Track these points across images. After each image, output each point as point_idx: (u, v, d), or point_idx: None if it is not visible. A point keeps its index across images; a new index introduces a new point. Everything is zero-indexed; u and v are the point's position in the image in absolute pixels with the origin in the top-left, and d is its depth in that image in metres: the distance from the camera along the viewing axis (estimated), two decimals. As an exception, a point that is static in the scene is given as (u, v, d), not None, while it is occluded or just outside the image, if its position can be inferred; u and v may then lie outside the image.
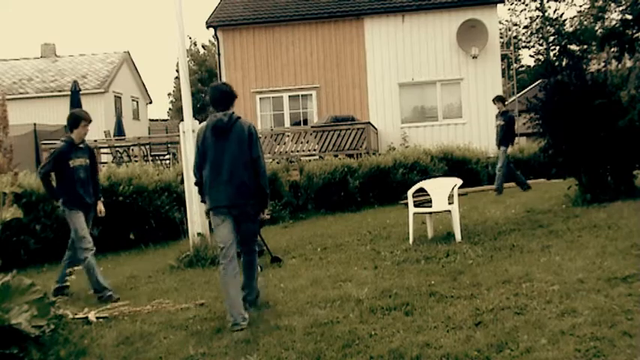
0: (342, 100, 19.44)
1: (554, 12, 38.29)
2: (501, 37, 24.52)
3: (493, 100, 12.75)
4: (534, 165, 15.18)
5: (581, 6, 56.89)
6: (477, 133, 18.51)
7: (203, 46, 45.59)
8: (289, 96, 19.65)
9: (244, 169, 5.09)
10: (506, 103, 12.88)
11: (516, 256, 6.42)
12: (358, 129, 16.26)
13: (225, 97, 5.25)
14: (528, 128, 11.64)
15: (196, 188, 5.39)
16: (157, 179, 10.91)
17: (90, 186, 6.70)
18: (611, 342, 3.79)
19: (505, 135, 12.23)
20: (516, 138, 13.23)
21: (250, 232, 5.37)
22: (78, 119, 6.65)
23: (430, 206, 8.24)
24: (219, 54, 20.11)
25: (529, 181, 13.83)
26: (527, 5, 39.07)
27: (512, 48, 28.15)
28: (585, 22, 36.95)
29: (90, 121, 6.74)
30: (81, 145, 6.65)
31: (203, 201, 5.29)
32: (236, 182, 5.05)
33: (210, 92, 5.34)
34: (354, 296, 5.40)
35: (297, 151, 15.93)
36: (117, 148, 17.80)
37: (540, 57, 39.63)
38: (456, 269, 6.14)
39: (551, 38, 38.77)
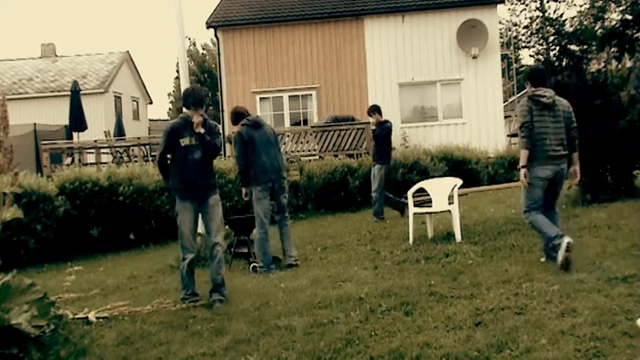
0: (342, 100, 19.43)
1: (554, 12, 38.22)
2: (501, 37, 24.53)
3: (368, 112, 10.85)
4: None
5: (581, 6, 56.87)
6: (477, 133, 18.51)
7: (203, 47, 45.59)
8: (289, 96, 19.63)
9: (278, 155, 7.35)
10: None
11: (516, 256, 6.43)
12: (358, 129, 16.25)
13: (238, 115, 7.48)
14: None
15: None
16: (157, 179, 10.91)
17: (208, 172, 5.79)
18: (611, 342, 3.80)
19: (381, 150, 10.46)
20: (392, 152, 11.07)
21: (285, 201, 7.39)
22: (188, 101, 5.77)
23: (430, 206, 8.24)
24: (219, 54, 20.10)
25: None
26: (527, 5, 39.03)
27: (512, 48, 28.14)
28: (585, 22, 36.93)
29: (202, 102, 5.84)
30: None
31: (245, 185, 7.32)
32: (276, 163, 7.25)
33: (232, 112, 7.62)
34: (354, 296, 5.40)
35: (297, 151, 15.92)
36: (117, 148, 17.81)
37: (540, 57, 39.60)
38: (456, 269, 6.15)
39: (551, 38, 38.74)
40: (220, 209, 5.85)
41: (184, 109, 5.87)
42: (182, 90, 8.33)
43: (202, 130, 5.60)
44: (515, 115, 5.64)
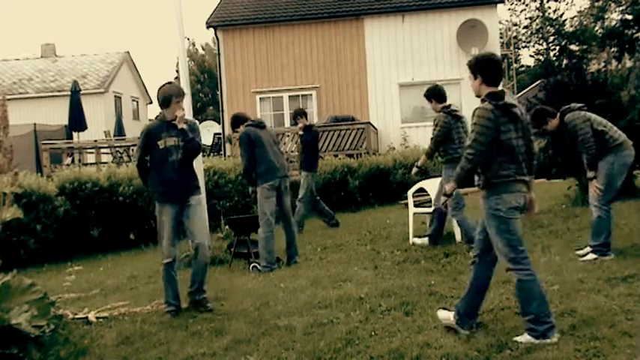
0: (342, 100, 19.43)
1: (554, 12, 38.19)
2: (501, 37, 24.53)
3: (294, 117, 10.18)
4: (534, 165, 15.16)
5: (581, 6, 56.84)
6: (477, 133, 18.49)
7: (204, 48, 45.61)
8: (289, 96, 19.64)
9: (281, 154, 7.61)
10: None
11: (516, 256, 6.41)
12: (358, 129, 16.27)
13: (237, 119, 7.71)
14: (528, 128, 11.61)
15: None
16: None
17: (189, 173, 5.55)
18: (611, 342, 3.80)
19: (309, 156, 9.99)
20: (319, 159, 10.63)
21: (289, 204, 7.54)
22: (168, 98, 5.47)
23: (430, 206, 8.23)
24: (219, 54, 20.10)
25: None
26: (527, 5, 39.02)
27: (512, 48, 28.14)
28: (585, 22, 36.91)
29: (182, 95, 5.60)
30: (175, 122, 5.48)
31: (252, 183, 7.40)
32: (282, 162, 7.48)
33: (232, 117, 7.84)
34: (354, 296, 5.40)
35: (298, 151, 15.91)
36: (117, 148, 17.81)
37: (540, 57, 39.62)
38: (456, 269, 6.15)
39: (551, 38, 38.73)
40: (202, 210, 5.60)
41: (166, 112, 5.55)
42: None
43: (185, 126, 5.44)
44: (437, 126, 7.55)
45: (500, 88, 4.22)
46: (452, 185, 4.34)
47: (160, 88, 5.58)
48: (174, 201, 5.46)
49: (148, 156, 5.54)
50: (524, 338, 3.98)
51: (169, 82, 5.85)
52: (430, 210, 8.11)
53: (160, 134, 5.44)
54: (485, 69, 4.19)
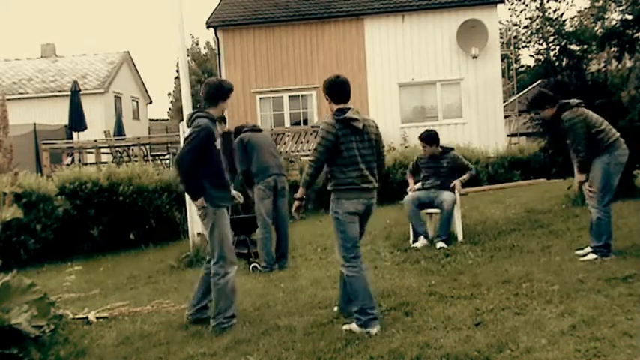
0: (342, 100, 19.39)
1: (554, 12, 38.17)
2: (501, 37, 24.49)
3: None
4: (534, 165, 15.17)
5: (581, 6, 56.85)
6: (477, 133, 18.50)
7: (205, 47, 45.55)
8: (289, 96, 19.62)
9: (278, 155, 7.65)
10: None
11: (516, 256, 6.43)
12: (358, 129, 16.24)
13: (238, 130, 7.75)
14: (528, 128, 11.60)
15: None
16: (157, 179, 10.91)
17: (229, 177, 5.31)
18: (611, 342, 3.80)
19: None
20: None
21: (285, 205, 7.34)
22: (225, 89, 5.09)
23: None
24: (219, 54, 20.08)
25: (530, 181, 13.71)
26: (527, 5, 39.01)
27: (512, 48, 28.13)
28: (585, 22, 36.91)
29: (232, 89, 5.26)
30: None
31: (249, 186, 7.47)
32: (277, 162, 7.46)
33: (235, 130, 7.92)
34: (354, 296, 5.39)
35: (297, 151, 15.93)
36: (117, 148, 17.80)
37: (540, 57, 39.56)
38: (456, 269, 6.15)
39: (551, 38, 38.71)
40: None
41: (211, 110, 5.04)
42: (182, 92, 8.31)
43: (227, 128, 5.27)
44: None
45: (349, 104, 4.63)
46: (302, 191, 4.68)
47: (211, 81, 5.16)
48: (228, 204, 5.14)
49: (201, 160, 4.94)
50: (352, 326, 4.52)
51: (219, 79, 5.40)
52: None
53: (214, 134, 4.94)
54: (331, 90, 4.69)
